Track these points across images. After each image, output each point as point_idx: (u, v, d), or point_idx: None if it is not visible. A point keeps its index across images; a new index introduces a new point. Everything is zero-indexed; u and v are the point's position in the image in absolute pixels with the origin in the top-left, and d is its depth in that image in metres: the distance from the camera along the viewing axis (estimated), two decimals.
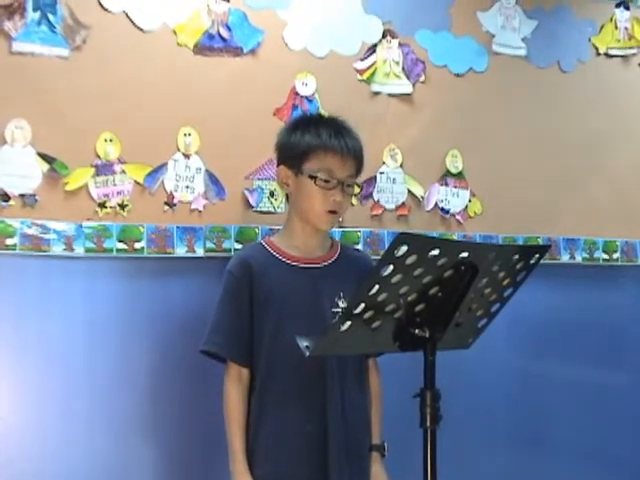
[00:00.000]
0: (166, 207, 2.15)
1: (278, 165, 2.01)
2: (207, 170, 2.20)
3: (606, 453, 2.76)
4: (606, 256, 2.80)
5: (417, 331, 1.52)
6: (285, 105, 2.30)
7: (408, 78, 2.50)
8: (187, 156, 2.18)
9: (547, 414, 2.68)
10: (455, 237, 2.53)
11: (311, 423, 1.89)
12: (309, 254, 1.99)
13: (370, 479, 1.98)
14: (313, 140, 1.93)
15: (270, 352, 1.91)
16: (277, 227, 2.14)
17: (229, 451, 1.90)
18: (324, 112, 2.23)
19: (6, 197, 1.97)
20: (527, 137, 2.69)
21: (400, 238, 1.37)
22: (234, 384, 1.92)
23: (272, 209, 2.28)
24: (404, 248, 1.38)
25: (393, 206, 2.47)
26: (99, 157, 2.07)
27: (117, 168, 2.09)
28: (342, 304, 1.94)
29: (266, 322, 1.92)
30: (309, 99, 2.33)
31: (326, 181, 1.92)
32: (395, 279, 1.42)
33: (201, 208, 2.19)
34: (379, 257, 1.45)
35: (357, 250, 2.24)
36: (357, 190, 2.04)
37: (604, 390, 2.78)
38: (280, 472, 1.89)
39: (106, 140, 2.08)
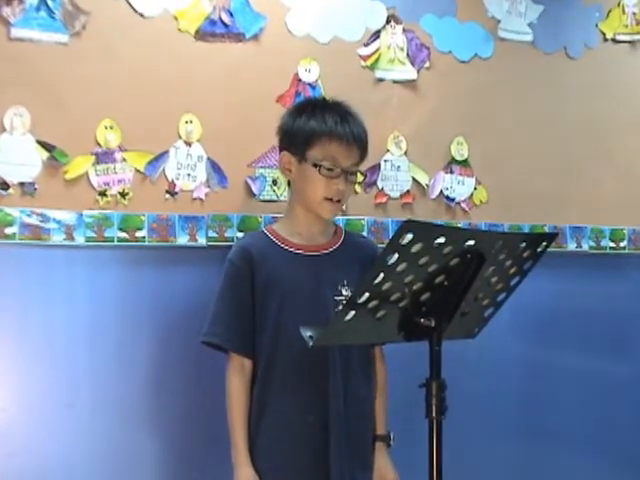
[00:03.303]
0: (167, 196, 2.13)
1: (280, 151, 1.98)
2: (209, 158, 2.18)
3: (611, 443, 2.75)
4: (613, 244, 2.78)
5: (422, 320, 1.51)
6: (288, 92, 2.28)
7: (413, 64, 2.47)
8: (189, 144, 2.15)
9: (553, 404, 2.66)
10: (460, 225, 2.50)
11: (313, 414, 1.87)
12: (311, 241, 1.97)
13: (374, 469, 1.97)
14: (318, 126, 1.90)
15: (271, 342, 1.89)
16: (280, 215, 2.12)
17: (231, 442, 1.88)
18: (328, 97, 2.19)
19: (5, 186, 1.95)
20: (533, 124, 2.67)
21: (405, 226, 1.35)
22: (236, 375, 1.90)
23: (275, 197, 2.26)
24: (409, 236, 1.36)
25: (397, 194, 2.45)
26: (99, 145, 2.05)
27: (118, 156, 2.07)
28: (345, 292, 1.92)
29: (267, 311, 1.90)
30: (312, 86, 2.31)
31: (330, 169, 1.89)
32: (400, 268, 1.40)
33: (203, 197, 2.17)
34: (384, 245, 1.43)
35: (362, 236, 2.22)
36: (360, 178, 2.01)
37: (610, 380, 2.77)
38: (282, 463, 1.88)
39: (106, 127, 2.05)
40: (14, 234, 1.94)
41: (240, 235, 2.16)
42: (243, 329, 1.90)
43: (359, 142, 1.93)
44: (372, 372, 2.01)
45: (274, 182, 2.25)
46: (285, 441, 1.88)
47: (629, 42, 2.86)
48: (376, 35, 2.42)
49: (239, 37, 2.23)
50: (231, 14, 2.21)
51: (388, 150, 2.43)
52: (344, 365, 1.91)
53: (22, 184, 1.97)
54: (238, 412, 1.88)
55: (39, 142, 1.98)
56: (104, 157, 2.05)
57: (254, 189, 2.23)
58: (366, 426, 1.98)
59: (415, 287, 1.46)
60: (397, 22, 2.45)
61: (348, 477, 1.88)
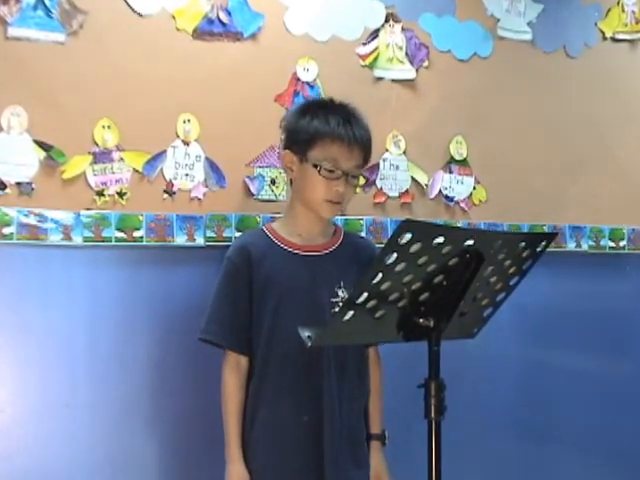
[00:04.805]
0: (165, 195, 2.12)
1: (284, 149, 1.97)
2: (207, 158, 2.17)
3: (610, 443, 2.74)
4: (612, 244, 2.77)
5: (421, 320, 1.50)
6: (286, 91, 2.27)
7: (411, 63, 2.47)
8: (187, 143, 2.15)
9: (552, 404, 2.66)
10: (459, 225, 2.49)
11: (308, 413, 1.87)
12: (310, 241, 1.97)
13: (369, 468, 1.97)
14: (321, 127, 1.89)
15: (268, 341, 1.89)
16: (278, 215, 2.12)
17: (225, 438, 1.89)
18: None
19: (2, 185, 1.94)
20: (532, 123, 2.66)
21: (404, 225, 1.35)
22: (231, 372, 1.90)
23: (273, 197, 2.25)
24: (408, 236, 1.35)
25: (396, 194, 2.44)
26: (97, 144, 2.04)
27: (115, 156, 2.06)
28: (342, 294, 1.91)
29: (264, 310, 1.90)
30: (311, 85, 2.30)
31: (330, 171, 1.89)
32: (399, 267, 1.39)
33: (201, 196, 2.16)
34: (382, 245, 1.42)
35: (361, 237, 2.21)
36: (362, 181, 2.00)
37: (610, 379, 2.76)
38: (275, 462, 1.88)
39: (104, 127, 2.05)
40: (11, 234, 1.94)
41: (239, 235, 2.15)
42: (239, 327, 1.90)
43: (361, 144, 1.92)
44: (366, 371, 2.01)
45: (272, 182, 2.25)
46: (279, 439, 1.88)
47: (628, 41, 2.85)
48: (375, 34, 2.41)
49: (237, 36, 2.22)
50: (229, 13, 2.20)
51: (387, 149, 2.42)
52: (339, 364, 1.90)
53: (19, 184, 1.96)
54: (232, 408, 1.89)
55: (36, 142, 1.98)
56: (102, 157, 2.05)
57: (252, 189, 2.22)
58: (360, 425, 1.98)
59: (414, 287, 1.46)
60: (396, 21, 2.44)
61: (342, 476, 1.88)
